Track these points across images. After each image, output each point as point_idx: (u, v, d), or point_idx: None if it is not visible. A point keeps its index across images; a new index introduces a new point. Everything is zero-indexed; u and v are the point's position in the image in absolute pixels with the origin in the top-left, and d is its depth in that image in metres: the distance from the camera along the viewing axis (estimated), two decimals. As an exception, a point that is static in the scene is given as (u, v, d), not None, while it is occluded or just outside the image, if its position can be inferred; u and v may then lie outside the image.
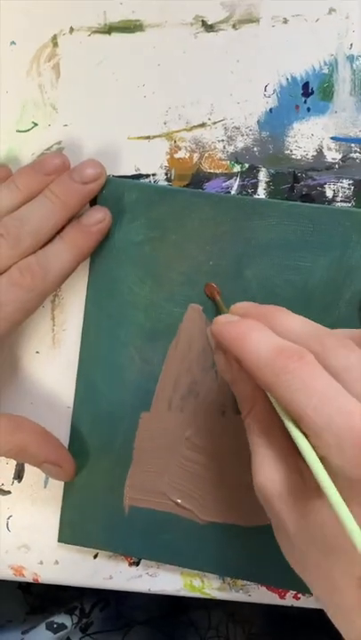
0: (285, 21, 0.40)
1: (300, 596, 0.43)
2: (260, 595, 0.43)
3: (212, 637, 0.51)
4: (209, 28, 0.41)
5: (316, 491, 0.28)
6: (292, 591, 0.43)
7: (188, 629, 0.53)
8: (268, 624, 0.55)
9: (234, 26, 0.41)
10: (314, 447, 0.28)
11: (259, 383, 0.31)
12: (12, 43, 0.42)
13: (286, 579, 0.42)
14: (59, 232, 0.41)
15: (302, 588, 0.42)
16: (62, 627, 0.49)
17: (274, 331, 0.32)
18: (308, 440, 0.29)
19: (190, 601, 0.56)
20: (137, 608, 0.55)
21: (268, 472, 0.31)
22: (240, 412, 0.41)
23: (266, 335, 0.31)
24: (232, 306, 0.36)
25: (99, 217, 0.41)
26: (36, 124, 0.43)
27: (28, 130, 0.43)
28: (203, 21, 0.41)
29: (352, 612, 0.29)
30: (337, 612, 0.30)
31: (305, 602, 0.43)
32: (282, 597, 0.43)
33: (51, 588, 0.56)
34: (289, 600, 0.43)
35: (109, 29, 0.42)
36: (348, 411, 0.27)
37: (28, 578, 0.45)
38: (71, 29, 0.42)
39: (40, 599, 0.55)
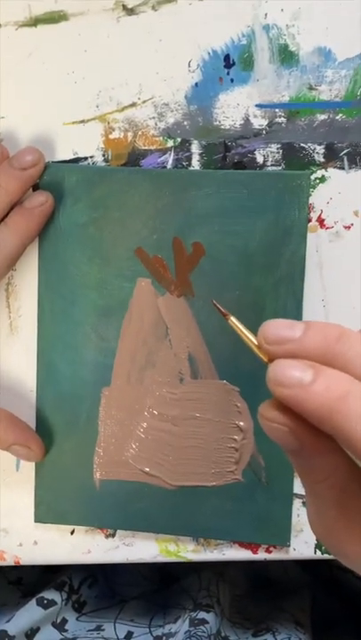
0: (202, -2, 0.42)
1: (271, 549, 0.44)
2: (233, 552, 0.44)
3: (203, 597, 0.52)
4: (130, 11, 0.42)
5: None
6: (263, 545, 0.44)
7: (181, 595, 0.54)
8: (252, 587, 0.57)
9: (153, 7, 0.42)
10: None
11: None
12: None
13: (256, 534, 0.44)
14: (2, 219, 0.42)
15: (272, 541, 0.44)
16: (52, 603, 0.50)
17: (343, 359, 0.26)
18: None
19: (180, 570, 0.57)
20: (129, 585, 0.56)
21: (351, 544, 0.28)
22: (199, 377, 0.43)
23: None
24: (265, 335, 0.27)
25: (41, 199, 0.42)
26: (-27, 120, 0.44)
27: (-34, 125, 0.44)
28: (123, 5, 0.42)
29: None
30: None
31: (277, 554, 0.44)
32: (254, 553, 0.44)
33: (40, 576, 0.57)
34: (261, 554, 0.44)
35: (35, 22, 0.43)
36: None
37: (10, 561, 0.46)
38: (-2, 25, 0.43)
39: (32, 586, 0.55)
